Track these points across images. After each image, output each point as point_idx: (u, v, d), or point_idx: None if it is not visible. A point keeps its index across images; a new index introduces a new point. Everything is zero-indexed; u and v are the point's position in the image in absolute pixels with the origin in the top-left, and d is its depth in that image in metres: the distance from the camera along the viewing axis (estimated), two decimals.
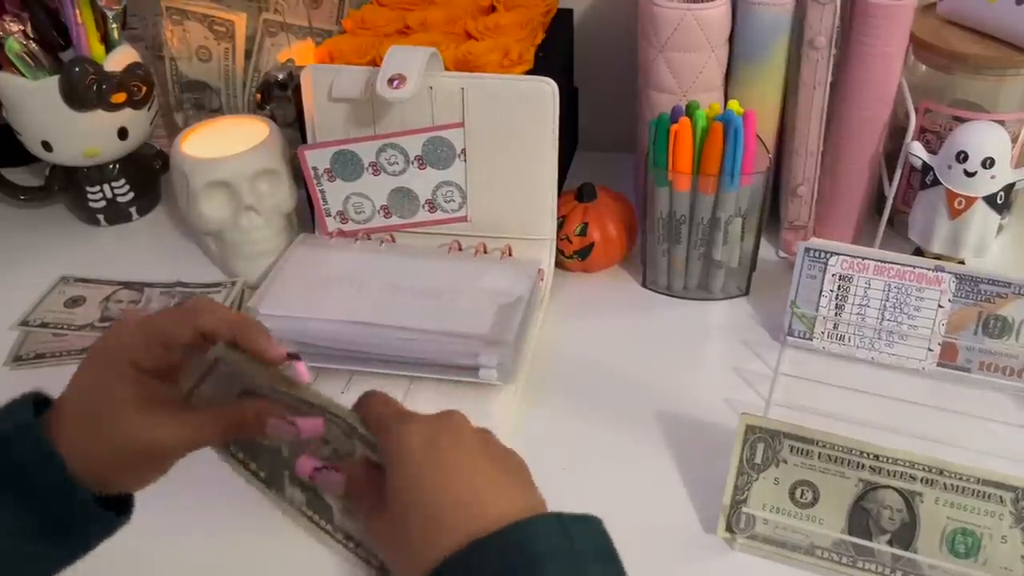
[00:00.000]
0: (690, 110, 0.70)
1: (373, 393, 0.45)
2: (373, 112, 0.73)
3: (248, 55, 0.95)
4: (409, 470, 0.40)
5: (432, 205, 0.77)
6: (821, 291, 0.69)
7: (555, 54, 0.84)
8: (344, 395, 0.58)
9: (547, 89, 0.70)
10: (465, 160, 0.74)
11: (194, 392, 0.46)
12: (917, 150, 0.71)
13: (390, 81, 0.68)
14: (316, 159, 0.76)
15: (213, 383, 0.46)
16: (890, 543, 0.53)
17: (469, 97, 0.71)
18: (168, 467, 0.45)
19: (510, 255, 0.76)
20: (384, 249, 0.78)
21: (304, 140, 0.77)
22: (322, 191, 0.78)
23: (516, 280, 0.72)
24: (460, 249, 0.77)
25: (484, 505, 0.38)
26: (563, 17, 0.89)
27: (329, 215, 0.79)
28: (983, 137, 0.68)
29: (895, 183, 0.74)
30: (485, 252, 0.77)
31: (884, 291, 0.67)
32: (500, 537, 0.37)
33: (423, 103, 0.72)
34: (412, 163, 0.75)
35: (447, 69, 0.75)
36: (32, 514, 0.40)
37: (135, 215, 0.93)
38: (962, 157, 0.68)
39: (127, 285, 0.81)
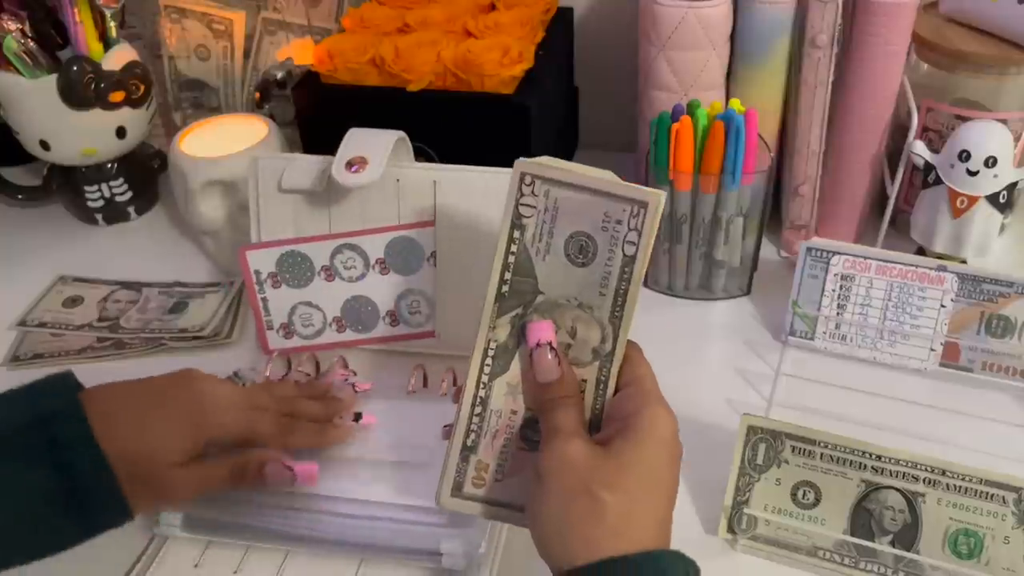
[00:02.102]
0: (691, 109, 0.70)
1: (642, 359, 0.45)
2: (329, 207, 0.64)
3: (247, 54, 0.95)
4: (654, 454, 0.41)
5: (394, 317, 0.66)
6: (823, 291, 0.68)
7: (555, 53, 0.84)
8: None
9: None
10: (435, 265, 0.64)
11: None
12: (919, 149, 0.71)
13: (348, 164, 0.60)
14: (259, 261, 0.65)
15: None
16: (892, 544, 0.52)
17: (442, 191, 0.62)
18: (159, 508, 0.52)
19: None
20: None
21: (304, 139, 0.77)
22: (264, 299, 0.66)
23: None
24: (425, 383, 0.65)
25: (639, 530, 0.39)
26: (563, 16, 0.89)
27: (271, 328, 0.68)
28: (985, 136, 0.68)
29: (897, 182, 0.74)
30: (455, 381, 0.63)
31: (886, 291, 0.67)
32: (639, 558, 0.38)
33: (388, 197, 0.63)
34: (373, 267, 0.65)
35: (447, 68, 0.75)
36: (64, 487, 0.43)
37: (133, 214, 0.92)
38: (964, 156, 0.68)
39: (125, 285, 0.81)
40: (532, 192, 0.44)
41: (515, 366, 0.45)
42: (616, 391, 0.45)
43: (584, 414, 0.44)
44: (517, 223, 0.44)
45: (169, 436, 0.48)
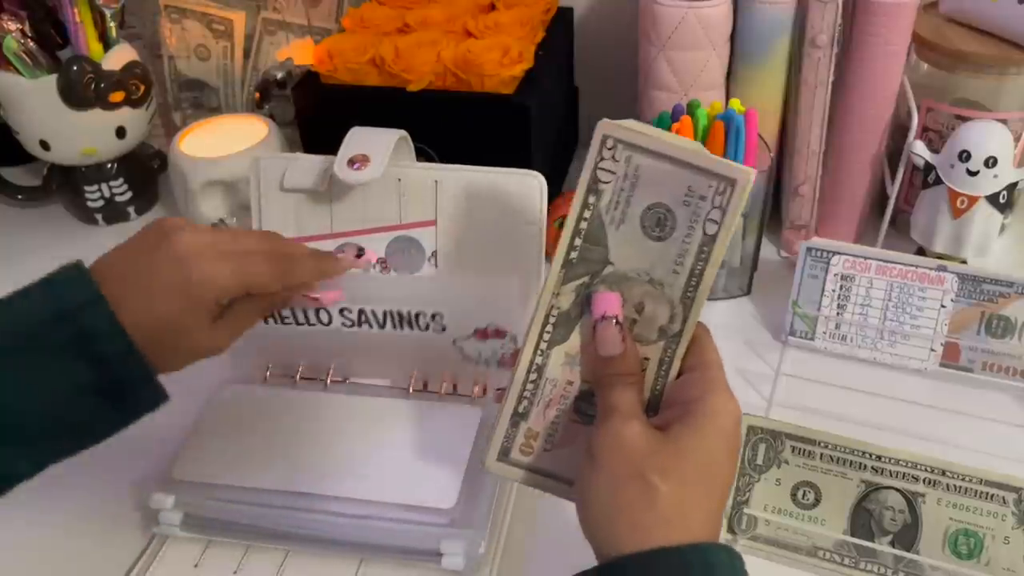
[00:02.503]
0: (691, 109, 0.70)
1: (711, 344, 0.43)
2: (331, 206, 0.64)
3: (247, 54, 0.95)
4: (707, 450, 0.39)
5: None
6: (823, 291, 0.68)
7: (555, 53, 0.84)
8: None
9: (534, 183, 0.61)
10: (436, 265, 0.64)
11: None
12: (919, 149, 0.71)
13: (350, 162, 0.60)
14: None
15: None
16: (892, 544, 0.52)
17: (443, 190, 0.63)
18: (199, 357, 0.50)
19: (484, 393, 0.63)
20: (330, 388, 0.65)
21: (304, 140, 0.77)
22: None
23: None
24: (425, 387, 0.64)
25: (690, 520, 0.38)
26: (563, 16, 0.89)
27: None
28: (985, 136, 0.68)
29: (897, 182, 0.74)
30: (455, 383, 0.64)
31: (886, 291, 0.67)
32: (688, 550, 0.37)
33: (389, 196, 0.63)
34: (374, 267, 0.65)
35: (447, 68, 0.75)
36: (98, 378, 0.43)
37: (133, 214, 0.92)
38: (964, 156, 0.68)
39: None
40: (613, 157, 0.41)
41: (575, 337, 0.44)
42: (680, 374, 0.43)
43: (643, 394, 0.43)
44: (593, 188, 0.42)
45: (182, 310, 0.46)
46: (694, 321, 0.42)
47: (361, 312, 0.62)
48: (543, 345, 0.44)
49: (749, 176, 0.40)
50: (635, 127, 0.41)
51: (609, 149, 0.42)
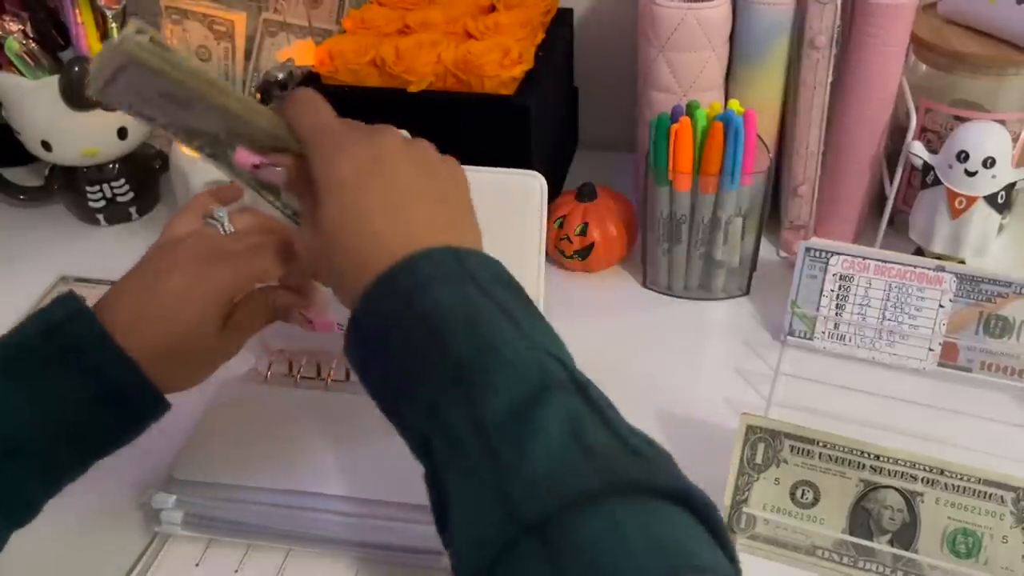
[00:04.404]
0: (690, 110, 0.70)
1: (305, 95, 0.45)
2: None
3: (248, 55, 0.95)
4: (339, 201, 0.42)
5: None
6: (822, 291, 0.68)
7: (555, 54, 0.84)
8: None
9: (534, 184, 0.61)
10: None
11: (104, 91, 0.42)
12: (918, 150, 0.71)
13: None
14: None
15: (125, 83, 0.42)
16: (891, 543, 0.53)
17: None
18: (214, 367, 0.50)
19: None
20: (331, 388, 0.65)
21: None
22: None
23: None
24: None
25: (407, 237, 0.40)
26: (563, 17, 0.89)
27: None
28: (984, 137, 0.68)
29: (896, 183, 0.74)
30: None
31: (885, 291, 0.67)
32: (400, 268, 0.39)
33: None
34: None
35: (447, 69, 0.75)
36: (94, 387, 0.44)
37: (135, 215, 0.92)
38: (963, 157, 0.68)
39: None
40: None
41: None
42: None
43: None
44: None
45: (189, 322, 0.47)
46: (268, 116, 0.45)
47: None
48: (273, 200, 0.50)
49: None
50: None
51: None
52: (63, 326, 0.44)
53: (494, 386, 0.35)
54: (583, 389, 0.36)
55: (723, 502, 0.55)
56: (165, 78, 0.41)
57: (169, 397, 0.48)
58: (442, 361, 0.37)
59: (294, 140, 0.45)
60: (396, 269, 0.39)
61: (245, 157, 0.46)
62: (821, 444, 0.54)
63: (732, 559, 0.33)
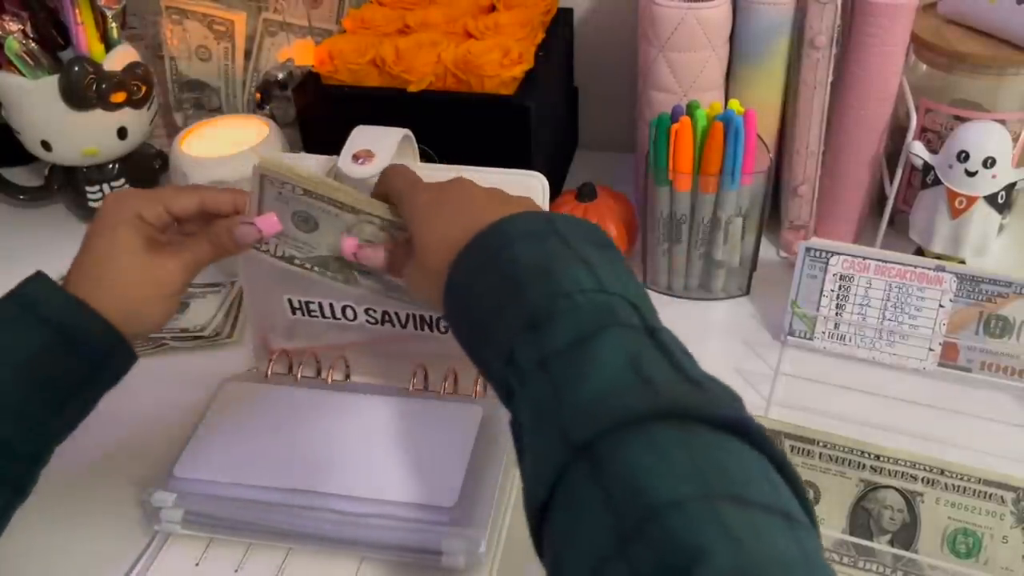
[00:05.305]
0: (691, 109, 0.70)
1: (393, 168, 0.53)
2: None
3: (248, 55, 0.95)
4: (425, 217, 0.47)
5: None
6: (822, 291, 0.68)
7: (555, 54, 0.84)
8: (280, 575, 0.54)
9: (534, 184, 0.61)
10: None
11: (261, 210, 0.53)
12: (918, 150, 0.71)
13: (355, 157, 0.60)
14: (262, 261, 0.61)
15: (267, 206, 0.53)
16: (891, 543, 0.53)
17: None
18: (177, 301, 0.53)
19: (484, 392, 0.63)
20: (331, 387, 0.65)
21: (305, 140, 0.77)
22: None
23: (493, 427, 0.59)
24: (425, 381, 0.64)
25: (486, 213, 0.44)
26: (563, 16, 0.89)
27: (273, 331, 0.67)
28: (984, 136, 0.68)
29: (896, 182, 0.74)
30: (456, 381, 0.64)
31: (885, 291, 0.67)
32: (490, 229, 0.43)
33: None
34: None
35: (447, 69, 0.75)
36: (52, 333, 0.47)
37: None
38: (963, 157, 0.68)
39: None
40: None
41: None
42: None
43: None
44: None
45: (113, 239, 0.51)
46: (374, 205, 0.52)
47: (369, 311, 0.63)
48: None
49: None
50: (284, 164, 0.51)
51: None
52: (20, 288, 0.49)
53: (561, 325, 0.37)
54: (653, 332, 0.38)
55: None
56: (290, 186, 0.51)
57: (169, 397, 0.49)
58: (519, 309, 0.39)
59: (397, 220, 0.51)
60: (487, 230, 0.43)
61: (349, 245, 0.52)
62: (821, 444, 0.54)
63: (799, 494, 0.32)
